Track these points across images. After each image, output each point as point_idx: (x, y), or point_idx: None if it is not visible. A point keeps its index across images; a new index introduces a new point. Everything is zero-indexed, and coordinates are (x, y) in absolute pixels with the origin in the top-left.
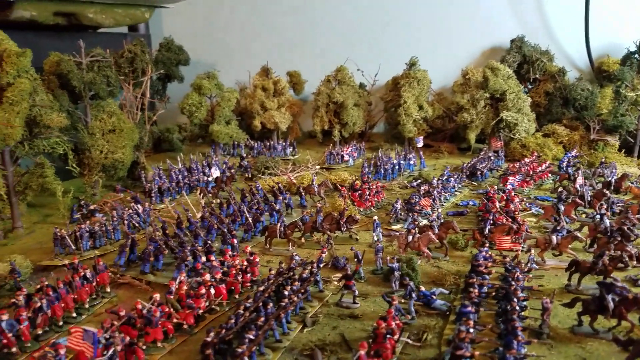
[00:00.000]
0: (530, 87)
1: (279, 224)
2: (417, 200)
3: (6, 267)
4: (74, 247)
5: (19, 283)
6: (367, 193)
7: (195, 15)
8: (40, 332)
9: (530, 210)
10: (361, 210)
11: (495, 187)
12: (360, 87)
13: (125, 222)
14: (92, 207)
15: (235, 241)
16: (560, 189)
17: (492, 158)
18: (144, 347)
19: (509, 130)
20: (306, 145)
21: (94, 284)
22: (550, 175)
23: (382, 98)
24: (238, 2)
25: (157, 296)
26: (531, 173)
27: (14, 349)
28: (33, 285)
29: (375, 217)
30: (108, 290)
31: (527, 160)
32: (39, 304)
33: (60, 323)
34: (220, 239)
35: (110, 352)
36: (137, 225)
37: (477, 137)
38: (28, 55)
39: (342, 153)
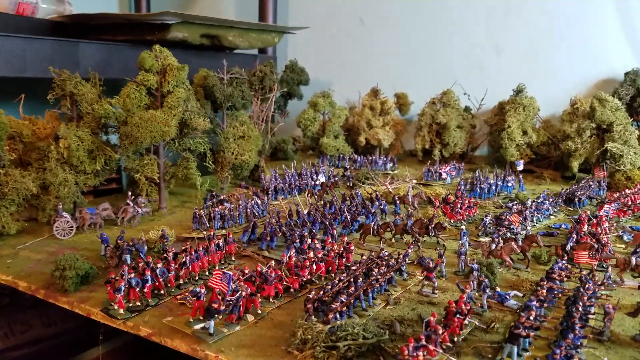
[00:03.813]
0: None
1: (372, 223)
2: (507, 216)
3: (157, 234)
4: (207, 225)
5: (166, 246)
6: (459, 207)
7: (316, 40)
8: (181, 282)
9: (621, 236)
10: (452, 222)
11: (589, 212)
12: (465, 110)
13: (249, 210)
14: (221, 197)
15: (335, 232)
16: None
17: (592, 186)
18: (260, 300)
19: (614, 161)
20: (406, 162)
21: (224, 251)
22: None
23: (486, 122)
24: (354, 30)
25: (272, 263)
26: (630, 204)
27: (162, 291)
28: (177, 249)
29: (463, 227)
30: (233, 259)
31: (628, 191)
32: (183, 260)
33: (197, 277)
34: (322, 231)
35: (237, 295)
36: (257, 214)
37: (582, 167)
38: (186, 69)
39: (440, 171)
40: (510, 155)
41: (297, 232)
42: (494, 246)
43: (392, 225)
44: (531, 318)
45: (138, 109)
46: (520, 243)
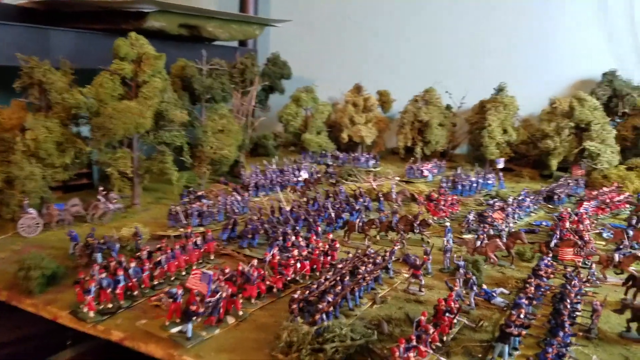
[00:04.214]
0: (618, 120)
1: (357, 220)
2: (490, 213)
3: (130, 231)
4: (184, 222)
5: (140, 245)
6: (443, 204)
7: (299, 35)
8: (156, 282)
9: (601, 232)
10: (435, 219)
11: (569, 209)
12: (447, 108)
13: (228, 206)
14: (199, 194)
15: (320, 229)
16: (632, 216)
17: (570, 184)
18: (241, 300)
19: (592, 159)
20: (388, 160)
21: (202, 250)
22: (627, 205)
23: (467, 120)
24: (337, 25)
25: (255, 261)
26: (608, 201)
27: (135, 292)
28: (151, 247)
29: (448, 224)
30: (212, 257)
31: (606, 189)
32: (158, 259)
33: (173, 278)
34: (306, 228)
35: (217, 296)
36: (237, 210)
37: (560, 166)
38: (163, 58)
39: (422, 168)
40: (490, 153)
41: (280, 230)
42: (478, 243)
43: (378, 222)
44: (521, 316)
45: (111, 99)
46: (504, 240)
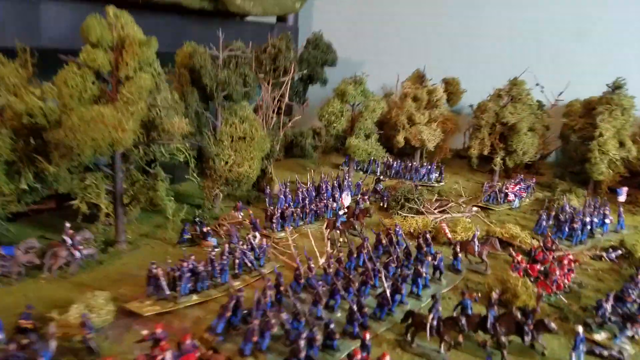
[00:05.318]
0: None
1: (431, 315)
2: (635, 297)
3: (79, 314)
4: (168, 292)
5: (89, 341)
6: (556, 269)
7: (348, 9)
8: None
9: None
10: (549, 296)
11: None
12: (539, 107)
13: (237, 260)
14: (205, 230)
15: (368, 336)
16: None
17: None
18: None
19: None
20: (453, 168)
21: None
22: None
23: (568, 124)
24: None
25: None
26: None
27: None
28: (109, 340)
29: (580, 329)
30: None
31: None
32: None
33: None
34: (347, 316)
35: None
36: (249, 264)
37: None
38: (153, 45)
39: (506, 190)
40: (598, 173)
41: (304, 335)
42: None
43: (463, 321)
44: None
45: (80, 104)
46: None
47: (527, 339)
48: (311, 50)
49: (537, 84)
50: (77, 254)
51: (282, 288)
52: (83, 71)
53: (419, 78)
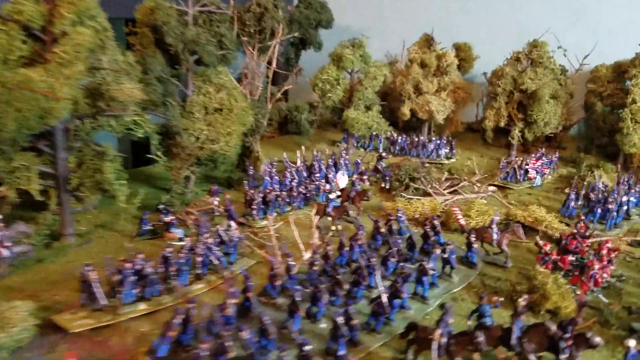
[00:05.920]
0: None
1: (439, 330)
2: None
3: None
4: (104, 302)
5: None
6: (594, 261)
7: None
8: None
9: None
10: (585, 294)
11: None
12: (562, 72)
13: (199, 259)
14: (168, 219)
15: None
16: None
17: None
18: None
19: None
20: (465, 142)
21: None
22: None
23: (594, 91)
24: None
25: None
26: None
27: None
28: None
29: (632, 344)
30: None
31: None
32: None
33: None
34: (331, 331)
35: None
36: (216, 263)
37: None
38: None
39: (527, 167)
40: (630, 145)
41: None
42: None
43: (480, 338)
44: None
45: (5, 67)
46: None
47: (563, 358)
48: (303, 10)
49: (559, 47)
50: (5, 252)
51: (249, 294)
52: (9, 26)
53: (427, 42)
